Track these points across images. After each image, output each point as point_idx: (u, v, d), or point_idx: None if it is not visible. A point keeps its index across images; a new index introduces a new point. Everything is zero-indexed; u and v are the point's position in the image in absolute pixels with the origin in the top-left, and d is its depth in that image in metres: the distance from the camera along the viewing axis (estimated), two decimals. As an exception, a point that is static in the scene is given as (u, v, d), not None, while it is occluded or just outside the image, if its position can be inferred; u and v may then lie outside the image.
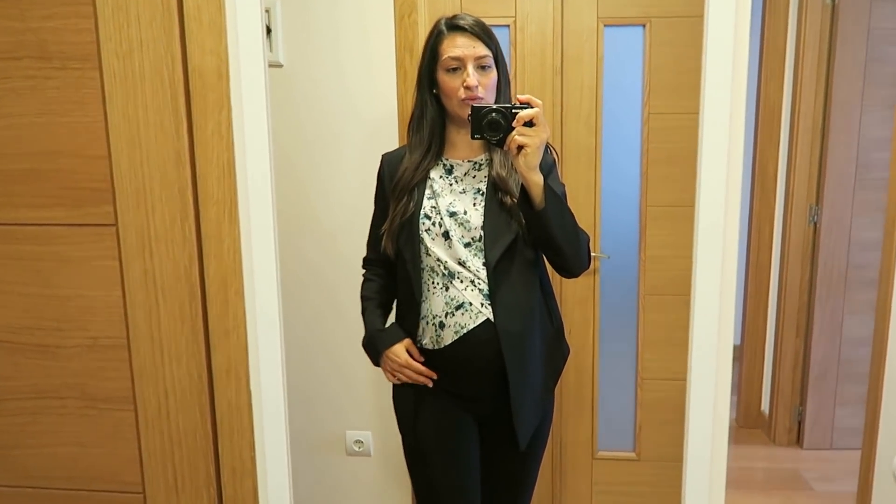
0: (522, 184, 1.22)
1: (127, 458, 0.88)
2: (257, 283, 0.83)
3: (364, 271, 1.51)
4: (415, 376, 1.34)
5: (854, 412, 2.80)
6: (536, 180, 1.20)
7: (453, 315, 1.29)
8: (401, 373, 1.34)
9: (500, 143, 1.19)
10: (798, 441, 2.92)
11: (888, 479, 2.11)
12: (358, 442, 2.28)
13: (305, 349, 2.21)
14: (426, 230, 1.31)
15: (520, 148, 1.17)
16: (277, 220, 0.84)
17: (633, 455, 2.31)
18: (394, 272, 1.42)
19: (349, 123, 1.88)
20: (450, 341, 1.30)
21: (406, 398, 1.41)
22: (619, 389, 2.28)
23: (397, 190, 1.35)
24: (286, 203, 1.73)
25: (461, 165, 1.35)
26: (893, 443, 2.10)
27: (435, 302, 1.31)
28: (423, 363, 1.35)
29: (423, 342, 1.35)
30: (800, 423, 2.90)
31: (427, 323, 1.33)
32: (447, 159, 1.37)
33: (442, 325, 1.31)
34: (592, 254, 2.21)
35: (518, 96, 1.19)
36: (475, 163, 1.35)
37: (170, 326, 0.85)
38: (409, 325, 1.37)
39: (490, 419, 1.40)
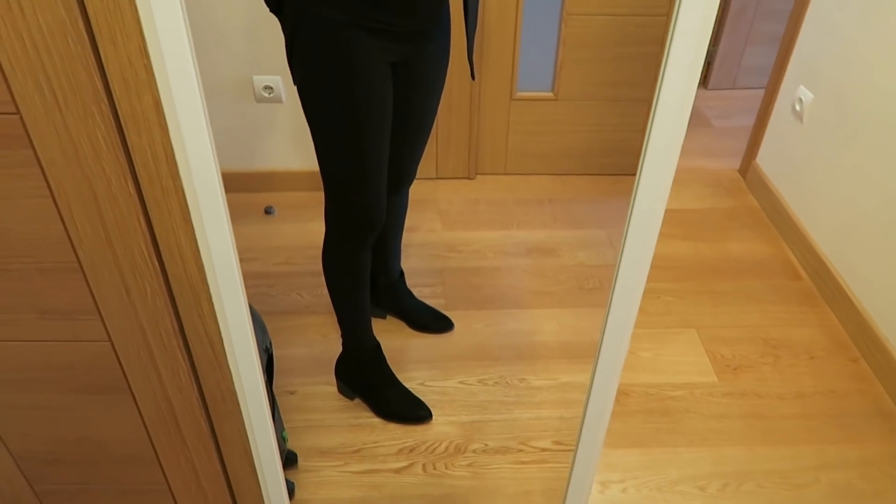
0: None
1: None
2: None
3: None
4: None
5: (762, 51, 2.85)
6: None
7: None
8: None
9: None
10: (704, 82, 3.00)
11: (786, 110, 2.24)
12: (267, 87, 2.12)
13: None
14: None
15: None
16: None
17: (550, 95, 2.30)
18: None
19: None
20: None
21: (337, 37, 1.12)
22: (542, 27, 2.16)
23: None
24: None
25: None
26: (799, 77, 2.17)
27: None
28: (347, 2, 1.08)
29: None
30: (709, 64, 2.95)
31: None
32: None
33: None
34: None
35: None
36: None
37: None
38: None
39: (412, 57, 1.26)
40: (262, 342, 1.34)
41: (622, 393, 1.70)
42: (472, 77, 1.32)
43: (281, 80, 2.11)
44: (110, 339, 0.95)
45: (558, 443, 1.58)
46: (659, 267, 2.08)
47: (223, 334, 0.85)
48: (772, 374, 1.76)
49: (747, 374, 1.75)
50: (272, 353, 1.43)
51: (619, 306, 0.95)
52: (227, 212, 0.76)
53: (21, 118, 0.74)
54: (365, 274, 1.49)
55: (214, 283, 0.79)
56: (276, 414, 1.43)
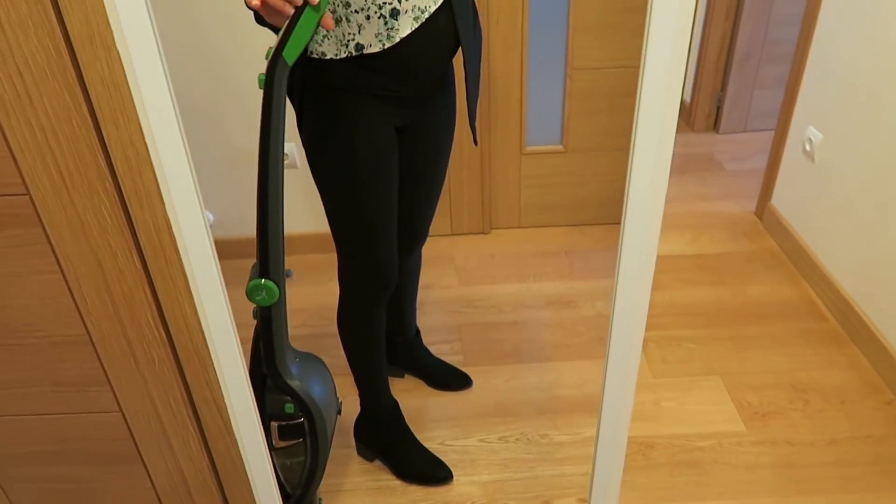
0: None
1: (-2, 159, 0.76)
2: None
3: None
4: None
5: (771, 94, 2.86)
6: None
7: None
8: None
9: None
10: (715, 126, 3.02)
11: (797, 151, 2.23)
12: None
13: (202, 52, 1.98)
14: None
15: None
16: None
17: (560, 148, 2.32)
18: None
19: None
20: (407, 32, 1.07)
21: (342, 104, 1.17)
22: (548, 82, 2.21)
23: None
24: None
25: None
26: (807, 118, 2.17)
27: None
28: (350, 71, 1.12)
29: (353, 43, 1.08)
30: (718, 109, 2.97)
31: (367, 17, 1.05)
32: None
33: (395, 14, 1.05)
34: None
35: None
36: None
37: (0, -15, 0.66)
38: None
39: (417, 121, 1.29)
40: (335, 405, 1.34)
41: (646, 445, 1.65)
42: (475, 143, 1.35)
43: (295, 146, 2.17)
44: (121, 410, 0.96)
45: (583, 500, 1.53)
46: (679, 314, 2.05)
47: (226, 400, 0.86)
48: (802, 420, 1.70)
49: (776, 421, 1.70)
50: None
51: (616, 355, 0.93)
52: (223, 281, 0.78)
53: (31, 199, 0.78)
54: (380, 332, 1.50)
55: (214, 351, 0.81)
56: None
